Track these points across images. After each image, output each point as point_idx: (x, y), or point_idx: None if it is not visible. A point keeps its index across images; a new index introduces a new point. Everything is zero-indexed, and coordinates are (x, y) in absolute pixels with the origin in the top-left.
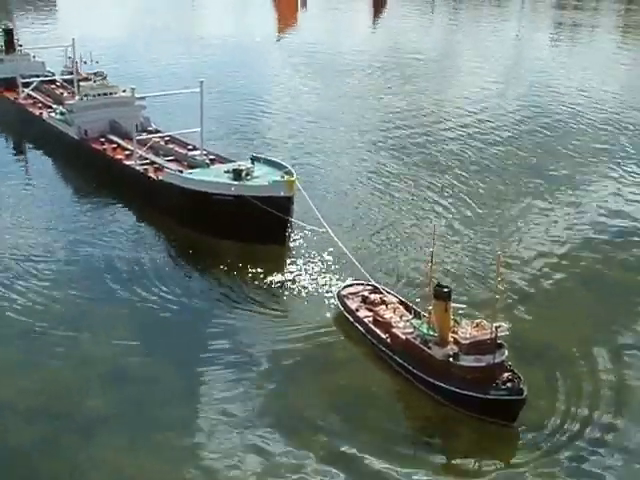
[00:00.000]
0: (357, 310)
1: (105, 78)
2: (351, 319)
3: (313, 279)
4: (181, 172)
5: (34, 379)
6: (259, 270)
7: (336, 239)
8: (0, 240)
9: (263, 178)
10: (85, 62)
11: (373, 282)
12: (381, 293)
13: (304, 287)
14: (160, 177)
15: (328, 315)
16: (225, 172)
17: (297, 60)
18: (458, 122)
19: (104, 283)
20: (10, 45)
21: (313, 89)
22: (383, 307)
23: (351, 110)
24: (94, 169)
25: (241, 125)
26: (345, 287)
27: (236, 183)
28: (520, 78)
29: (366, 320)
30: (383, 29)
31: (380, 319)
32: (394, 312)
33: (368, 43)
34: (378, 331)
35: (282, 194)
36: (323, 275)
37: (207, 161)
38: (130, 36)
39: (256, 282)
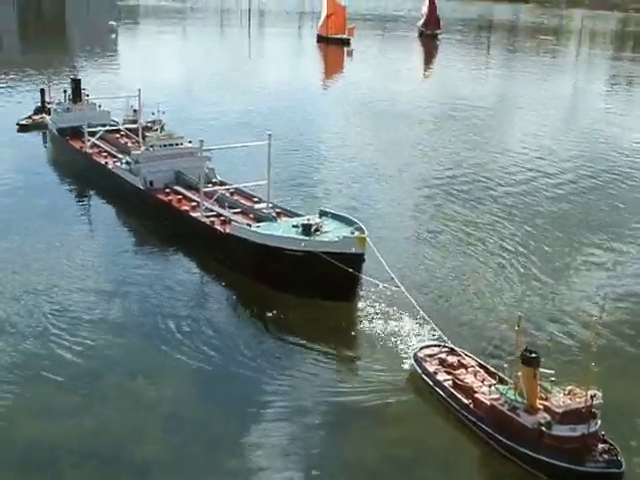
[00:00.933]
0: (435, 373)
1: (163, 127)
2: (430, 382)
3: (385, 338)
4: (249, 226)
5: (88, 422)
6: (328, 327)
7: (409, 297)
8: (57, 284)
9: (333, 234)
10: (153, 113)
11: (450, 344)
12: (459, 355)
13: (375, 346)
14: (227, 230)
15: (401, 376)
16: (294, 227)
17: (351, 108)
18: (517, 172)
19: (163, 331)
20: (77, 95)
21: (370, 138)
22: (463, 370)
23: (410, 159)
24: (159, 220)
25: (302, 176)
26: (422, 348)
27: (306, 238)
28: (579, 129)
29: (445, 384)
30: (436, 76)
31: (461, 383)
32: (475, 376)
33: (421, 90)
34: (459, 396)
35: (353, 251)
36: (395, 334)
37: (273, 214)
38: (190, 84)
39: (324, 339)
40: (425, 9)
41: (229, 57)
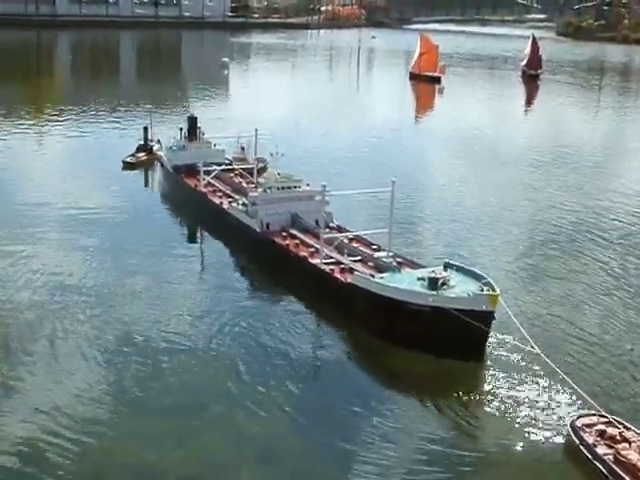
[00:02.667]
0: (595, 446)
1: (266, 167)
2: (589, 455)
3: (525, 403)
4: (372, 276)
5: (187, 451)
6: (456, 387)
7: (546, 359)
8: (163, 319)
9: (460, 288)
10: (271, 154)
11: (608, 415)
12: (620, 428)
13: (516, 411)
14: (349, 279)
15: (556, 446)
16: (419, 279)
17: (453, 148)
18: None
19: (268, 369)
20: (193, 132)
21: (477, 181)
22: (626, 445)
23: (521, 204)
24: (274, 264)
25: (413, 221)
26: (579, 417)
27: (434, 293)
28: None
29: (606, 458)
30: (538, 116)
31: (624, 459)
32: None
33: (523, 130)
34: (622, 473)
35: (484, 308)
36: (536, 400)
37: (394, 264)
38: (299, 121)
39: (453, 401)
40: (528, 49)
41: (337, 94)
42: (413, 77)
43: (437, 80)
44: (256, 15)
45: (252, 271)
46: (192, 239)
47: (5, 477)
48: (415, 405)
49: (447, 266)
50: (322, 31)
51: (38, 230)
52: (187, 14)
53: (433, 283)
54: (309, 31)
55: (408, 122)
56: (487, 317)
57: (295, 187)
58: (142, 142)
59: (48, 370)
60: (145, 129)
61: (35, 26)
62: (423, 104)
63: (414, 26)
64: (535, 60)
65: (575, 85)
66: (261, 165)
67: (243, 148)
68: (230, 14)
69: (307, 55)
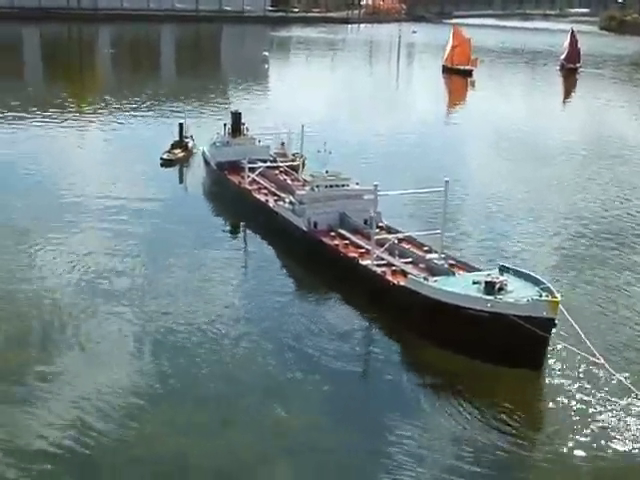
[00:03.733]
0: None
1: (304, 162)
2: None
3: (586, 415)
4: (426, 279)
5: (221, 443)
6: (514, 397)
7: (610, 369)
8: (206, 314)
9: (518, 293)
10: (319, 151)
11: None
12: None
13: (577, 424)
14: (402, 282)
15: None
16: (474, 283)
17: (493, 143)
18: None
19: (311, 369)
20: (237, 128)
21: (519, 177)
22: None
23: (570, 201)
24: (321, 263)
25: (463, 221)
26: None
27: (491, 298)
28: None
29: None
30: (578, 110)
31: None
32: None
33: (560, 125)
34: None
35: (544, 314)
36: (598, 412)
37: (446, 266)
38: (340, 116)
39: (512, 412)
40: (567, 43)
41: (377, 89)
42: (446, 70)
43: (469, 73)
44: (296, 9)
45: (298, 270)
46: (236, 237)
47: (46, 464)
48: (472, 413)
49: (502, 269)
50: (362, 25)
51: (83, 221)
52: (227, 8)
53: (490, 287)
54: (349, 25)
55: (446, 117)
56: (548, 324)
57: (343, 185)
58: (177, 138)
59: (88, 359)
60: (180, 125)
61: (77, 19)
62: (458, 98)
63: (455, 20)
64: (574, 54)
65: (615, 79)
66: (298, 162)
67: (283, 144)
68: (270, 8)
69: (347, 49)
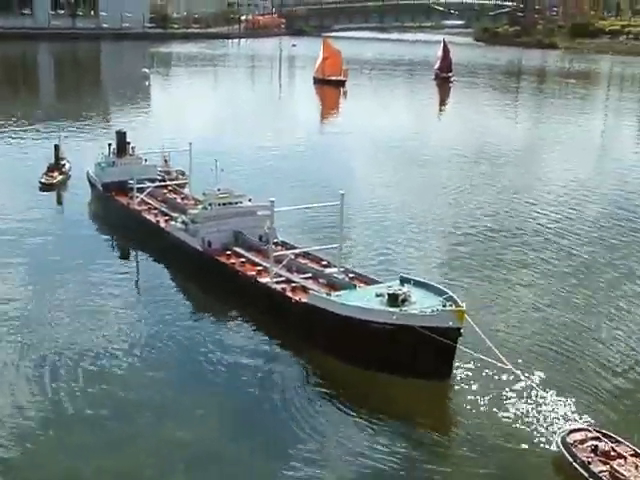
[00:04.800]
0: (589, 463)
1: (185, 175)
2: (584, 473)
3: (499, 419)
4: (328, 294)
5: (115, 460)
6: (424, 406)
7: (517, 372)
8: (97, 337)
9: (422, 304)
10: (211, 169)
11: (592, 428)
12: (615, 442)
13: (492, 427)
14: (303, 299)
15: (546, 464)
16: (377, 296)
17: (371, 152)
18: (550, 222)
19: (209, 389)
20: (122, 148)
21: (399, 185)
22: (621, 461)
23: (442, 206)
24: (218, 283)
25: (351, 233)
26: (570, 432)
27: (396, 310)
28: (611, 172)
29: (603, 476)
30: (453, 117)
31: (621, 476)
32: (636, 468)
33: (433, 131)
34: None
35: (450, 324)
36: (515, 416)
37: (346, 279)
38: (224, 131)
39: (422, 421)
40: (439, 54)
41: (259, 103)
42: (317, 81)
43: (342, 83)
44: (176, 25)
45: (194, 291)
46: (126, 259)
47: None
48: (379, 425)
49: (403, 280)
50: (243, 40)
51: None
52: (105, 25)
53: (393, 299)
54: (230, 40)
55: (327, 127)
56: (454, 333)
57: (237, 203)
58: (52, 161)
59: None
60: (56, 147)
61: None
62: (335, 109)
63: (334, 34)
64: (446, 63)
65: (487, 86)
66: (186, 180)
67: (166, 160)
68: (149, 25)
69: (229, 64)
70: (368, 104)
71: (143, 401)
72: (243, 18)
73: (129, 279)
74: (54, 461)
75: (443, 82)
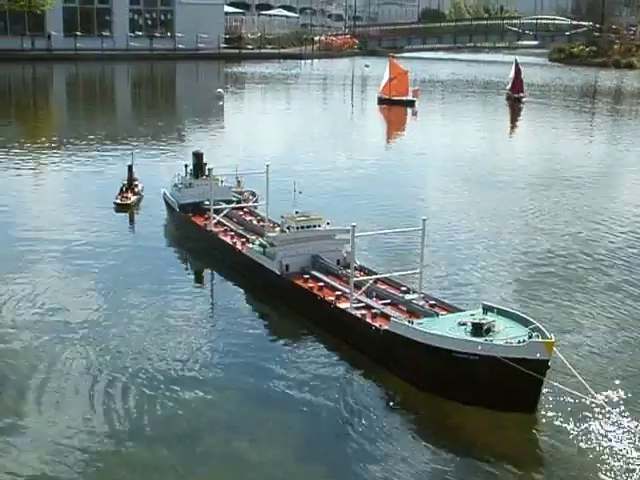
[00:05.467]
0: None
1: (255, 196)
2: None
3: (584, 460)
4: (410, 322)
5: None
6: (510, 441)
7: (608, 407)
8: (168, 356)
9: (508, 334)
10: (294, 191)
11: None
12: None
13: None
14: (384, 326)
15: None
16: (460, 324)
17: (444, 172)
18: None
19: (286, 418)
20: (200, 169)
21: (483, 208)
22: None
23: (524, 231)
24: (296, 308)
25: (433, 258)
26: None
27: (482, 340)
28: None
29: None
30: (522, 138)
31: None
32: None
33: (513, 154)
34: None
35: (538, 357)
36: (595, 455)
37: (427, 306)
38: (298, 151)
39: (508, 457)
40: (512, 74)
41: (332, 123)
42: (382, 101)
43: (412, 103)
44: (250, 46)
45: (271, 315)
46: (202, 280)
47: None
48: (463, 459)
49: (486, 308)
50: (316, 60)
51: (36, 267)
52: (181, 46)
53: (478, 329)
54: (302, 61)
55: (400, 148)
56: (542, 366)
57: (315, 226)
58: (126, 181)
59: (47, 405)
60: (129, 168)
61: (31, 60)
62: (405, 129)
63: (406, 54)
64: (517, 84)
65: (560, 106)
66: (261, 202)
67: (239, 181)
68: (224, 45)
69: (301, 84)
70: (439, 124)
71: (214, 421)
72: (316, 39)
73: (203, 300)
74: (125, 476)
75: (515, 103)
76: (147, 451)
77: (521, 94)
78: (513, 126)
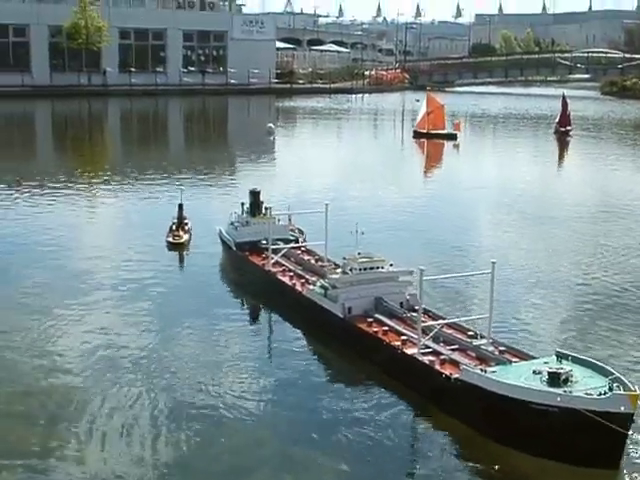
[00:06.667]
0: None
1: (303, 235)
2: None
3: None
4: (484, 371)
5: None
6: None
7: None
8: (223, 389)
9: (587, 385)
10: (351, 232)
11: None
12: None
13: None
14: (454, 374)
15: None
16: (535, 373)
17: (506, 209)
18: None
19: (341, 451)
20: (257, 207)
21: (548, 244)
22: None
23: (585, 270)
24: (360, 352)
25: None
26: None
27: (561, 392)
28: None
29: None
30: (570, 172)
31: None
32: None
33: (563, 189)
34: None
35: (622, 410)
36: None
37: (496, 353)
38: (351, 187)
39: None
40: (560, 107)
41: (385, 158)
42: (418, 135)
43: (453, 137)
44: (301, 81)
45: (330, 358)
46: (259, 321)
47: None
48: None
49: (560, 356)
50: (366, 95)
51: (88, 300)
52: (233, 81)
53: (555, 378)
54: (353, 95)
55: (448, 184)
56: (626, 419)
57: (378, 267)
58: (176, 219)
59: (96, 438)
60: (180, 206)
61: (87, 95)
62: (452, 163)
63: (457, 89)
64: (565, 117)
65: (610, 140)
66: (302, 238)
67: (290, 219)
68: (275, 80)
69: (352, 119)
70: (484, 157)
71: (262, 460)
72: (367, 73)
73: (259, 339)
74: None
75: (562, 136)
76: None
77: (568, 127)
78: (561, 159)
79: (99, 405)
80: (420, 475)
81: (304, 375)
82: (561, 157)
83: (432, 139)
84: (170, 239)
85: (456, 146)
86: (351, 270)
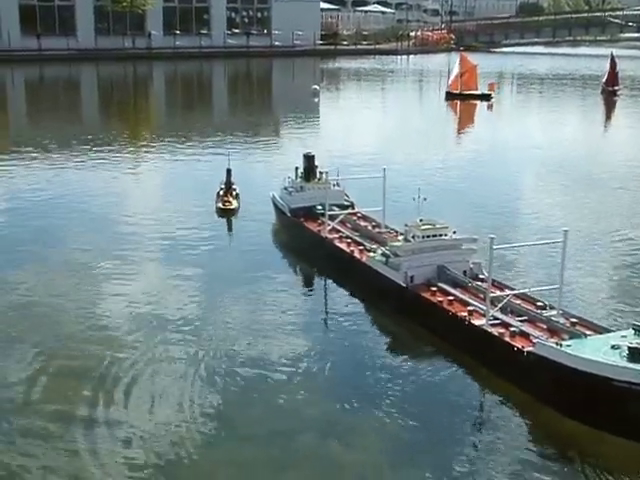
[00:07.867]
0: None
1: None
2: None
3: None
4: (559, 344)
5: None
6: None
7: None
8: (274, 351)
9: None
10: (413, 199)
11: None
12: None
13: None
14: (527, 348)
15: None
16: (614, 348)
17: (546, 172)
18: None
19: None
20: (311, 172)
21: (616, 213)
22: None
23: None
24: (422, 322)
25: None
26: None
27: None
28: None
29: None
30: (620, 133)
31: None
32: None
33: (608, 149)
34: None
35: None
36: None
37: (568, 324)
38: (396, 151)
39: None
40: (607, 67)
41: (431, 120)
42: (450, 96)
43: (487, 97)
44: (346, 42)
45: (391, 327)
46: (312, 286)
47: None
48: None
49: (638, 330)
50: (411, 56)
51: (137, 265)
52: (278, 43)
53: (636, 354)
54: (398, 57)
55: (491, 144)
56: None
57: (442, 235)
58: (223, 185)
59: (142, 400)
60: (228, 171)
61: (131, 58)
62: (489, 124)
63: (504, 49)
64: (612, 77)
65: None
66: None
67: (337, 184)
68: (320, 42)
69: (396, 80)
70: (519, 118)
71: (310, 422)
72: (412, 34)
73: (314, 305)
74: (215, 476)
75: (609, 96)
76: (240, 449)
77: (615, 87)
78: (607, 119)
79: (142, 366)
80: (474, 440)
81: (360, 343)
82: (608, 117)
83: (465, 100)
84: (220, 205)
85: (490, 107)
86: (414, 237)
